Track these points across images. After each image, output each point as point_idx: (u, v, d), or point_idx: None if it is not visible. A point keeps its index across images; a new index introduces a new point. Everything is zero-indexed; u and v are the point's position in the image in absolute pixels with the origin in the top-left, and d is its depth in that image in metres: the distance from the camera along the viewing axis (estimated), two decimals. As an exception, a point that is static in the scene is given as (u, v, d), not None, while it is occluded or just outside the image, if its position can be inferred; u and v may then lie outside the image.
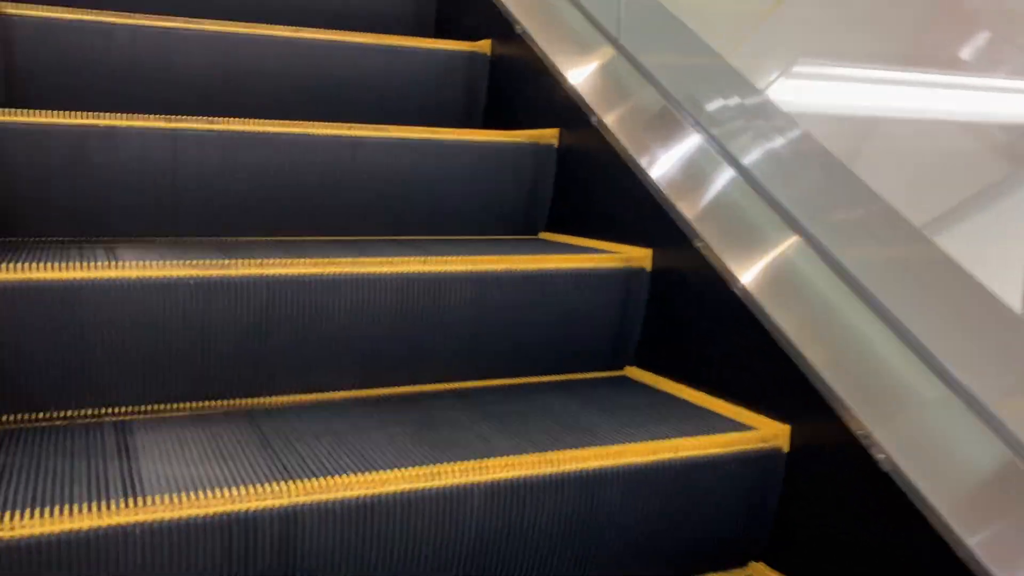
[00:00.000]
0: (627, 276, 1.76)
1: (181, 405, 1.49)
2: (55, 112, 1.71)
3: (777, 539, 1.45)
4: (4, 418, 1.39)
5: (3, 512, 1.02)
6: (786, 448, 1.43)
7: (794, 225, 1.54)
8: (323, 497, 1.14)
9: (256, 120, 1.84)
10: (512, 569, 1.27)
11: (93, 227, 1.77)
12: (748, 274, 1.53)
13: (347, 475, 1.17)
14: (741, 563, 1.48)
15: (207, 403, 1.50)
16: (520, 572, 1.28)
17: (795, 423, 1.43)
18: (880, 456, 1.25)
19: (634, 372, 1.81)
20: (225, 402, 1.52)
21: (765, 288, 1.50)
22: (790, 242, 1.53)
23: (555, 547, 1.29)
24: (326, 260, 1.53)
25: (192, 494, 1.09)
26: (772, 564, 1.46)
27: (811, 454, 1.39)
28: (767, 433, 1.43)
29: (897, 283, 1.38)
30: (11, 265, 1.35)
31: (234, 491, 1.11)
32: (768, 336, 1.46)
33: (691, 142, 1.78)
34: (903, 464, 1.23)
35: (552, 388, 1.68)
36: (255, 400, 1.53)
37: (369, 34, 2.33)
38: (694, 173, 1.73)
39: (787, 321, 1.45)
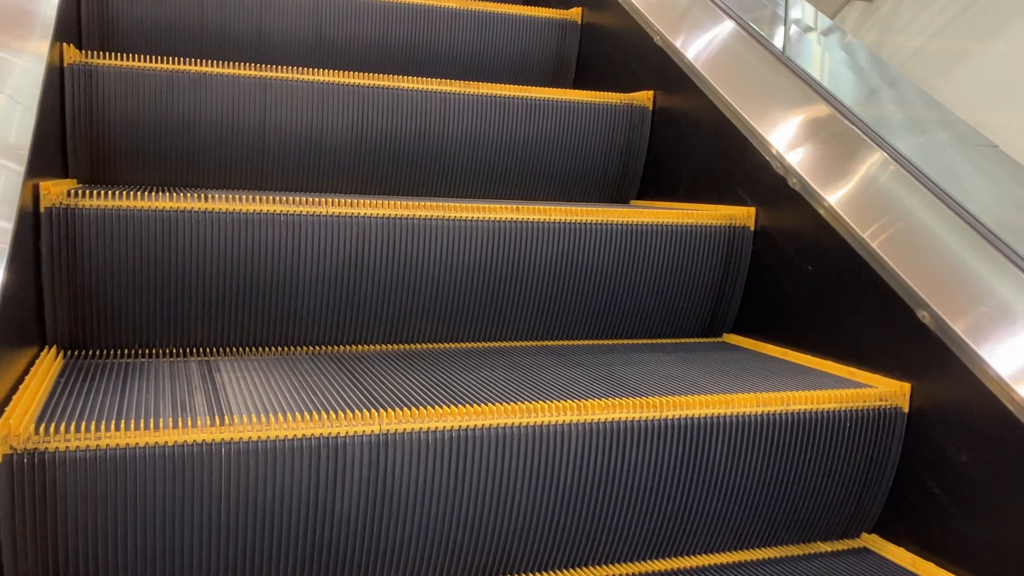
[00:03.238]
0: (729, 235, 1.67)
1: (268, 349, 1.45)
2: (145, 57, 1.70)
3: (893, 508, 1.34)
4: (90, 353, 1.36)
5: (88, 424, 0.98)
6: (906, 408, 1.32)
7: (910, 170, 1.43)
8: (414, 426, 1.07)
9: (347, 72, 1.81)
10: (609, 517, 1.19)
11: (181, 177, 1.75)
12: (869, 229, 1.43)
13: (439, 407, 1.11)
14: (853, 534, 1.37)
15: (294, 348, 1.46)
16: (618, 521, 1.20)
17: (917, 381, 1.32)
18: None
19: (734, 338, 1.71)
20: (313, 348, 1.47)
21: (888, 241, 1.40)
22: (912, 192, 1.43)
23: (656, 497, 1.20)
24: (416, 204, 1.48)
25: (280, 416, 1.04)
26: (887, 535, 1.35)
27: (937, 415, 1.28)
28: (886, 391, 1.32)
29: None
30: (107, 193, 1.33)
31: (323, 416, 1.05)
32: (891, 292, 1.35)
33: (805, 97, 1.69)
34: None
35: (647, 348, 1.60)
36: (342, 347, 1.49)
37: (462, -1, 2.30)
38: (808, 127, 1.64)
39: (912, 274, 1.34)
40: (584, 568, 1.21)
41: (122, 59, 1.68)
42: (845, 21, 2.81)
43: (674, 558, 1.26)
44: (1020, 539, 1.13)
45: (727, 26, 1.92)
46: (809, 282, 1.53)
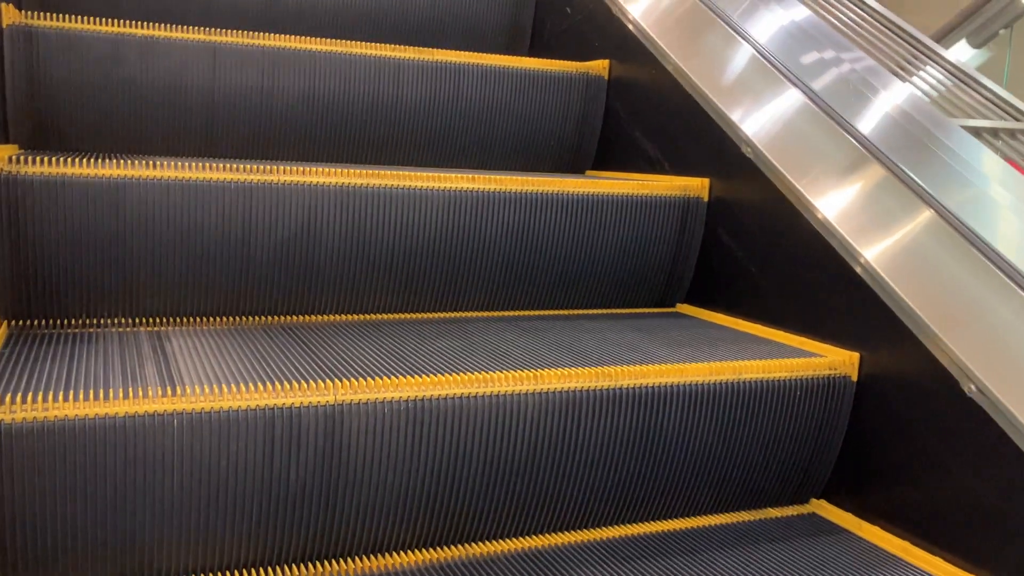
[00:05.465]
0: (683, 205, 1.67)
1: (219, 319, 1.43)
2: (90, 19, 1.65)
3: (841, 474, 1.37)
4: (36, 323, 1.33)
5: (35, 394, 0.96)
6: (855, 376, 1.35)
7: (854, 135, 1.45)
8: (369, 397, 1.07)
9: (297, 37, 1.77)
10: (565, 485, 1.20)
11: (127, 144, 1.71)
12: (821, 198, 1.44)
13: (395, 377, 1.10)
14: (802, 500, 1.40)
15: (247, 319, 1.44)
16: (573, 489, 1.20)
17: (866, 351, 1.34)
18: (970, 385, 1.15)
19: (688, 308, 1.73)
20: (265, 318, 1.45)
21: (841, 213, 1.41)
22: (863, 162, 1.44)
23: (610, 465, 1.21)
24: (370, 172, 1.46)
25: (233, 386, 1.03)
26: (835, 501, 1.38)
27: (885, 383, 1.31)
28: (835, 360, 1.34)
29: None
30: (51, 160, 1.29)
31: (277, 386, 1.04)
32: (842, 261, 1.37)
33: (756, 66, 1.69)
34: (996, 391, 1.13)
35: (602, 318, 1.60)
36: (296, 317, 1.47)
37: (413, -36, 2.26)
38: (759, 94, 1.64)
39: (856, 237, 1.36)
40: (538, 536, 1.22)
41: (65, 21, 1.63)
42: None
43: (628, 525, 1.28)
44: (963, 503, 1.16)
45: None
46: (761, 253, 1.55)
